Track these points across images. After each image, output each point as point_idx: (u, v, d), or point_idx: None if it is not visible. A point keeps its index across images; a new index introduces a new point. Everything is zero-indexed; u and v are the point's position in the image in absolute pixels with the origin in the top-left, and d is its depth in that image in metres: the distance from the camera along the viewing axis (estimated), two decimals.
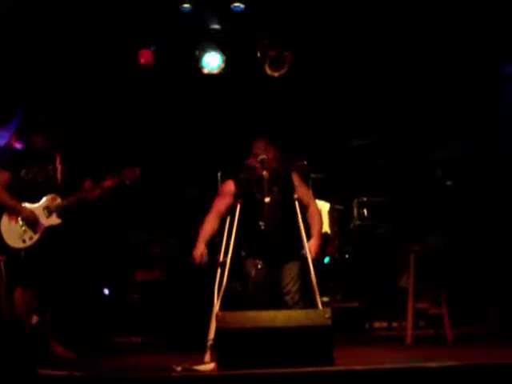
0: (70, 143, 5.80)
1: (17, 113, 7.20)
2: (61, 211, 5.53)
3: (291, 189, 5.43)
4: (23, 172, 5.57)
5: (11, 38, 7.18)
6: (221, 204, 5.49)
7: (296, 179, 5.56)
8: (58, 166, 5.64)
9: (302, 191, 5.52)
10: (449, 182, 7.31)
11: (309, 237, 5.30)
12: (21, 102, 7.20)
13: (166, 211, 7.82)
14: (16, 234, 5.49)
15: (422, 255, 6.37)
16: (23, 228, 5.48)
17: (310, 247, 5.25)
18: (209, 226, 5.42)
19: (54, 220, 5.53)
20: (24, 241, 5.47)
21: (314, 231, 5.48)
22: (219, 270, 5.08)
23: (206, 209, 5.49)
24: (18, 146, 7.08)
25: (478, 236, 7.08)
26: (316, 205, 5.67)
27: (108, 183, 5.64)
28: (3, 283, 5.98)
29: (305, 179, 6.38)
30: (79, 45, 7.42)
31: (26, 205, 5.53)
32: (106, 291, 7.65)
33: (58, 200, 5.55)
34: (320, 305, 4.88)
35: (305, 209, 5.47)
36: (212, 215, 5.46)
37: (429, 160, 7.67)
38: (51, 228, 5.51)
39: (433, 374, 3.94)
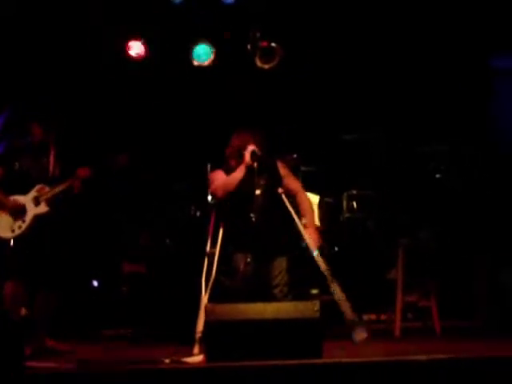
0: (65, 138, 5.78)
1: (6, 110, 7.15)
2: (49, 200, 5.52)
3: (277, 181, 5.41)
4: (16, 165, 5.57)
5: (11, 38, 7.17)
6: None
7: (282, 170, 5.53)
8: (51, 160, 5.63)
9: (289, 180, 5.49)
10: (438, 175, 7.31)
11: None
12: (12, 103, 7.15)
13: (156, 204, 7.79)
14: (6, 225, 5.48)
15: (412, 248, 6.38)
16: (13, 218, 5.48)
17: (307, 240, 5.19)
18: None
19: (42, 208, 5.52)
20: (13, 230, 5.47)
21: (306, 220, 5.38)
22: (206, 262, 5.06)
23: (194, 202, 5.46)
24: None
25: (468, 230, 7.09)
26: (305, 193, 5.59)
27: (83, 172, 5.60)
28: None
29: (295, 172, 6.36)
30: (70, 38, 7.39)
31: (16, 196, 5.52)
32: (95, 283, 7.64)
33: (47, 189, 5.55)
34: (340, 293, 4.96)
35: (293, 198, 5.44)
36: None
37: (420, 154, 7.68)
38: (40, 217, 5.50)
39: (421, 367, 3.96)
